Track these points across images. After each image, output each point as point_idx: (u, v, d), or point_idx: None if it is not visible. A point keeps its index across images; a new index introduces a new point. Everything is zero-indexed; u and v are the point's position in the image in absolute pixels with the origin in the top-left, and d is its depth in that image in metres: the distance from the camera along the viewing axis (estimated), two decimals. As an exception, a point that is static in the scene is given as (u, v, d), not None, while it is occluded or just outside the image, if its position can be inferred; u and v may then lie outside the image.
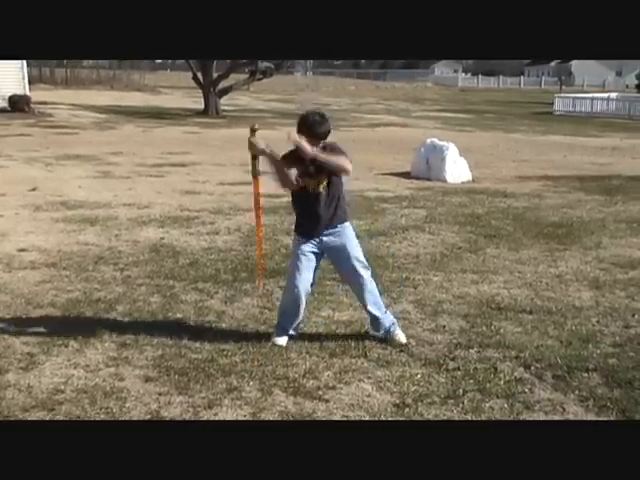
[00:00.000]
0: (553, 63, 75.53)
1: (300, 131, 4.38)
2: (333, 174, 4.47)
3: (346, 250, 4.60)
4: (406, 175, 12.58)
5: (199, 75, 27.45)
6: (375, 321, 4.80)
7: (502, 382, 4.22)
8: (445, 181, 12.02)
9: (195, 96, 30.12)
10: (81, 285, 5.89)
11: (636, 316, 5.41)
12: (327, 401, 3.95)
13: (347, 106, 35.48)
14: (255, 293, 5.76)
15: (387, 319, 4.79)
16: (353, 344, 4.73)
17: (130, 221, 8.38)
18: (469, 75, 74.18)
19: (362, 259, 4.67)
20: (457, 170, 12.27)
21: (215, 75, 27.69)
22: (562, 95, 39.12)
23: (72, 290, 5.76)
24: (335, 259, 4.74)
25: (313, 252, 4.61)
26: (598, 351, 4.72)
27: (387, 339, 4.77)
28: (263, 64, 29.32)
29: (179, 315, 5.25)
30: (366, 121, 26.48)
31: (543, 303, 5.69)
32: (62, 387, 4.05)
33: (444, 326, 5.14)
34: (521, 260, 6.97)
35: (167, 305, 5.44)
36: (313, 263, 4.64)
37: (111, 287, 5.85)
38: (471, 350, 4.71)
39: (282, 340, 4.70)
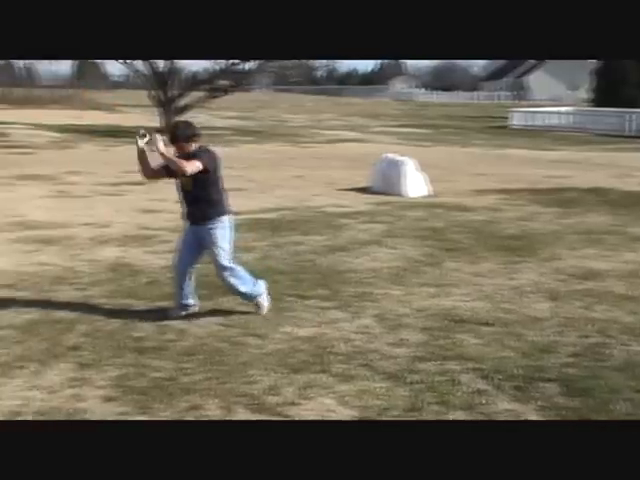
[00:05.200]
0: (507, 78, 76.97)
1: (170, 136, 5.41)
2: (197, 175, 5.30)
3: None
4: (365, 190, 12.69)
5: (158, 93, 27.32)
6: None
7: (462, 394, 4.27)
8: (404, 196, 12.15)
9: (154, 114, 29.91)
10: (40, 305, 5.81)
11: (593, 326, 5.53)
12: (288, 417, 3.95)
13: (306, 122, 35.65)
14: (222, 307, 5.78)
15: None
16: (315, 360, 4.76)
17: (89, 240, 8.30)
18: (425, 90, 75.11)
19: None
20: (415, 184, 12.41)
21: (174, 92, 27.60)
22: (517, 109, 39.89)
23: (30, 311, 5.67)
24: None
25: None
26: (556, 361, 4.81)
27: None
28: (221, 82, 29.33)
29: (140, 334, 5.21)
30: (325, 137, 26.61)
31: (502, 315, 5.77)
32: (20, 409, 3.98)
33: (405, 339, 5.19)
34: (480, 273, 7.07)
35: (127, 324, 5.40)
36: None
37: (71, 307, 5.78)
38: (432, 363, 4.76)
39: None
